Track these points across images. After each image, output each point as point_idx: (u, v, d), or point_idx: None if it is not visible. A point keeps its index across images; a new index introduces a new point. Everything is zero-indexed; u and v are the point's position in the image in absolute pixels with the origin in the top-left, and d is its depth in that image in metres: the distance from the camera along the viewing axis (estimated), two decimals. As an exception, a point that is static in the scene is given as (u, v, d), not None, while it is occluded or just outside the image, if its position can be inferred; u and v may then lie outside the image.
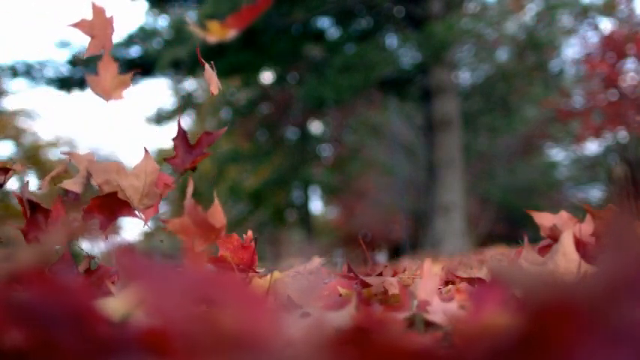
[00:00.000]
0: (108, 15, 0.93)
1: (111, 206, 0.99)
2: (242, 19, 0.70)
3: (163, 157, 1.09)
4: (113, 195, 0.98)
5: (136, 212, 1.01)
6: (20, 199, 1.03)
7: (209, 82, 1.05)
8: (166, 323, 0.33)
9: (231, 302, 0.34)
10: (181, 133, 1.08)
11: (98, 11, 0.91)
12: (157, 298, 0.33)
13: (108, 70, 0.89)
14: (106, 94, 0.90)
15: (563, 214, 1.09)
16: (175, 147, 1.07)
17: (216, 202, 0.88)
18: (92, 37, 0.92)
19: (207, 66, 1.05)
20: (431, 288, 0.78)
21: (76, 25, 0.92)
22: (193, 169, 1.09)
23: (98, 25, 0.91)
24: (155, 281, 0.33)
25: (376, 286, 0.94)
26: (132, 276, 0.34)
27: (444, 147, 9.84)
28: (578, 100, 11.50)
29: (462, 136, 10.40)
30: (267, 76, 13.16)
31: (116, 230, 1.00)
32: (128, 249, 0.34)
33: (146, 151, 1.03)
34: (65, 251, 0.97)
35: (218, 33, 0.72)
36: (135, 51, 10.83)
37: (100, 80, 0.90)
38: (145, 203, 1.00)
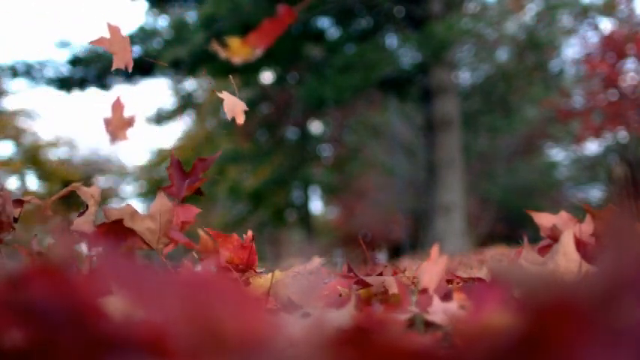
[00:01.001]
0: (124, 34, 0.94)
1: (117, 233, 0.98)
2: (264, 36, 0.66)
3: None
4: (119, 222, 0.98)
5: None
6: (30, 254, 1.02)
7: (235, 113, 1.04)
8: (161, 329, 0.33)
9: (226, 304, 0.34)
10: (175, 162, 1.07)
11: (114, 30, 0.94)
12: (149, 305, 0.33)
13: (117, 110, 0.91)
14: (113, 136, 0.92)
15: (563, 214, 1.09)
16: (170, 176, 1.07)
17: (203, 235, 0.93)
18: (114, 54, 0.95)
19: (226, 95, 1.03)
20: (436, 272, 0.78)
21: (96, 43, 0.95)
22: (200, 193, 1.09)
23: (116, 42, 0.94)
24: (145, 288, 0.33)
25: (376, 286, 0.94)
26: (121, 284, 0.34)
27: (444, 147, 9.84)
28: (578, 100, 11.50)
29: (461, 136, 10.40)
30: (267, 76, 13.16)
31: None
32: (116, 254, 0.34)
33: (159, 190, 1.03)
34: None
35: (241, 52, 0.68)
36: (135, 51, 10.82)
37: (111, 120, 0.92)
38: (163, 242, 1.01)
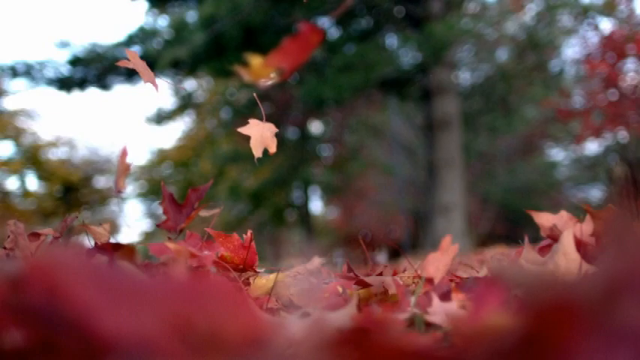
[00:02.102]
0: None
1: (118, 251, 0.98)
2: (286, 57, 0.60)
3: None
4: (127, 246, 0.98)
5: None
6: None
7: (266, 143, 1.00)
8: (153, 333, 0.32)
9: (217, 304, 0.34)
10: (167, 196, 1.07)
11: (133, 55, 0.96)
12: (140, 309, 0.33)
13: (123, 159, 0.91)
14: (117, 185, 0.92)
15: (563, 214, 1.09)
16: (165, 211, 1.07)
17: (171, 245, 0.96)
18: (140, 71, 0.96)
19: (253, 126, 0.99)
20: (444, 263, 0.78)
21: (122, 64, 0.96)
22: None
23: (138, 64, 0.96)
24: (135, 292, 0.33)
25: (376, 286, 0.94)
26: (112, 290, 0.33)
27: (444, 147, 9.84)
28: (578, 100, 11.50)
29: (461, 136, 10.41)
30: (267, 76, 13.14)
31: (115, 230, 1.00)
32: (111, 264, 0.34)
33: (170, 240, 1.03)
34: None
35: (262, 74, 0.62)
36: (135, 51, 10.82)
37: (119, 167, 0.92)
38: None
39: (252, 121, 1.02)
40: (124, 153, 0.95)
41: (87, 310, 0.32)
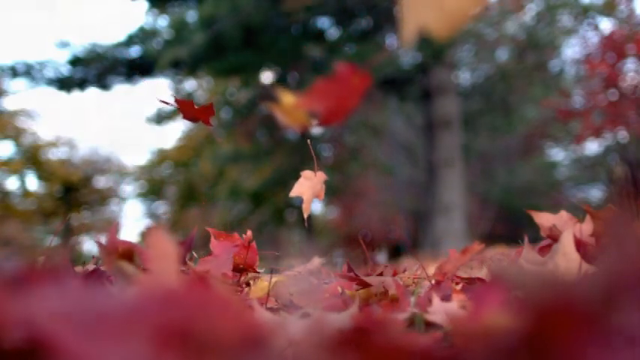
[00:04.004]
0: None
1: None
2: (319, 99, 0.53)
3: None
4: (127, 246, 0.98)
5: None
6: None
7: (316, 194, 0.95)
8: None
9: (212, 312, 0.34)
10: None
11: (177, 97, 0.95)
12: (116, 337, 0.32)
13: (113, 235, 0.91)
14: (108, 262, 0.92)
15: (563, 214, 1.09)
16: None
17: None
18: (176, 103, 0.95)
19: (305, 181, 0.95)
20: (461, 261, 0.79)
21: (174, 103, 0.94)
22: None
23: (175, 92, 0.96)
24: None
25: (376, 286, 0.94)
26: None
27: (444, 147, 9.84)
28: (578, 100, 11.50)
29: (461, 136, 10.41)
30: (267, 76, 13.16)
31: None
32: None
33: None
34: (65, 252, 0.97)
35: (294, 115, 0.56)
36: (135, 51, 10.84)
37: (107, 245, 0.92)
38: None
39: (305, 175, 0.97)
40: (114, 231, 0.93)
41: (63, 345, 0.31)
